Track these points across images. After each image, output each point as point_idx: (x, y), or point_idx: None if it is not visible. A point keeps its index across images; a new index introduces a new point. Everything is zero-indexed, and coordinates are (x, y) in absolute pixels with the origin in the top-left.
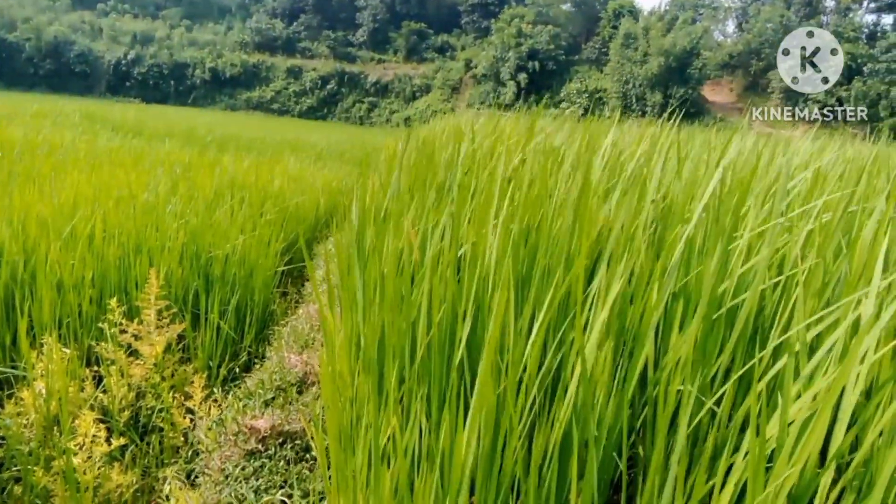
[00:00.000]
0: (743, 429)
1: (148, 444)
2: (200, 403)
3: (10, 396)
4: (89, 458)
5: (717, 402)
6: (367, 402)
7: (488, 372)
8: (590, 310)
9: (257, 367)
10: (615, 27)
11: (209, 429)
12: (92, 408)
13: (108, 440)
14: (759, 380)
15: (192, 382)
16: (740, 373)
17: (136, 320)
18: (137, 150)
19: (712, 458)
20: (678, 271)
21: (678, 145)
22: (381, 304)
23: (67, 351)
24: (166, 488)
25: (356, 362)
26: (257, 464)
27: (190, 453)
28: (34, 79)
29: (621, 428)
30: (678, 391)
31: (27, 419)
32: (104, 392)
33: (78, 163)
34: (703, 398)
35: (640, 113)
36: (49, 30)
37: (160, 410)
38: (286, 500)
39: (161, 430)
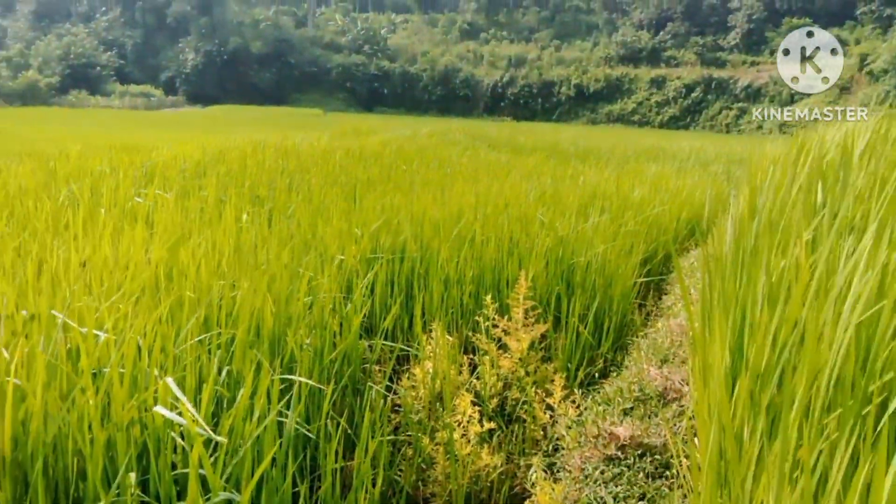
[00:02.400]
0: None
1: (512, 432)
2: (560, 402)
3: (405, 371)
4: (463, 435)
5: None
6: (753, 431)
7: None
8: None
9: (614, 374)
10: None
11: (568, 427)
12: (467, 391)
13: (479, 422)
14: None
15: (553, 381)
16: None
17: (505, 317)
18: (509, 164)
19: None
20: None
21: None
22: (767, 327)
23: (450, 338)
24: (531, 476)
25: (734, 385)
26: (616, 470)
27: (550, 448)
28: (427, 104)
29: None
30: None
31: (417, 393)
32: (477, 379)
33: (461, 175)
34: None
35: None
36: (441, 60)
37: (523, 403)
38: None
39: (523, 421)
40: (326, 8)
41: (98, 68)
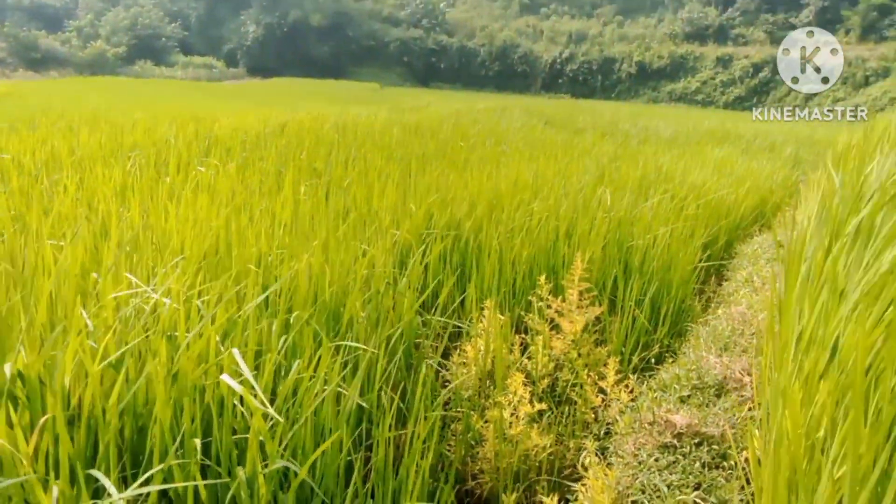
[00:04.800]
0: None
1: (561, 413)
2: (612, 386)
3: (455, 348)
4: (513, 414)
5: None
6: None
7: None
8: None
9: (670, 361)
10: None
11: (622, 412)
12: (518, 370)
13: (530, 402)
14: None
15: (606, 364)
16: None
17: (559, 298)
18: (567, 142)
19: None
20: None
21: None
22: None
23: (502, 317)
24: (583, 460)
25: (815, 384)
26: (671, 458)
27: (602, 432)
28: (484, 80)
29: None
30: None
31: (468, 370)
32: (528, 359)
33: (518, 153)
34: None
35: None
36: (500, 35)
37: (575, 385)
38: (700, 502)
39: (574, 402)
40: None
41: (163, 39)
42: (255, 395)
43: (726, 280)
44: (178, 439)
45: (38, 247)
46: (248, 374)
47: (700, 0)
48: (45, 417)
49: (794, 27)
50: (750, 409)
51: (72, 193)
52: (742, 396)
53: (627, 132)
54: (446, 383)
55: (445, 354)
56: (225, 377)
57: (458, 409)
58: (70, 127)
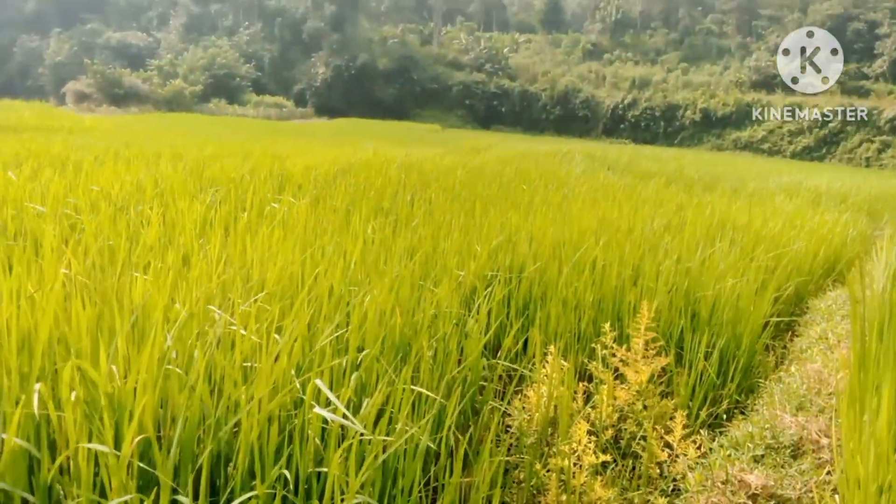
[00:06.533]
0: None
1: (625, 466)
2: (680, 440)
3: (516, 392)
4: (576, 464)
5: None
6: None
7: None
8: None
9: (740, 417)
10: None
11: (691, 469)
12: (581, 419)
13: (593, 452)
14: None
15: (672, 418)
16: None
17: (624, 346)
18: (630, 188)
19: None
20: None
21: None
22: None
23: (565, 363)
24: None
25: None
26: None
27: (670, 488)
28: (545, 123)
29: None
30: None
31: (530, 415)
32: (592, 408)
33: (581, 197)
34: None
35: None
36: (562, 80)
37: (640, 437)
38: None
39: (638, 456)
40: (452, 27)
41: (237, 79)
42: (344, 426)
43: (797, 336)
44: (273, 474)
45: (125, 277)
46: (340, 405)
47: (768, 48)
48: (139, 438)
49: (866, 77)
50: (829, 473)
51: (156, 225)
52: (820, 459)
53: (692, 179)
54: (507, 428)
55: (507, 400)
56: (318, 409)
57: (521, 456)
58: (152, 161)
